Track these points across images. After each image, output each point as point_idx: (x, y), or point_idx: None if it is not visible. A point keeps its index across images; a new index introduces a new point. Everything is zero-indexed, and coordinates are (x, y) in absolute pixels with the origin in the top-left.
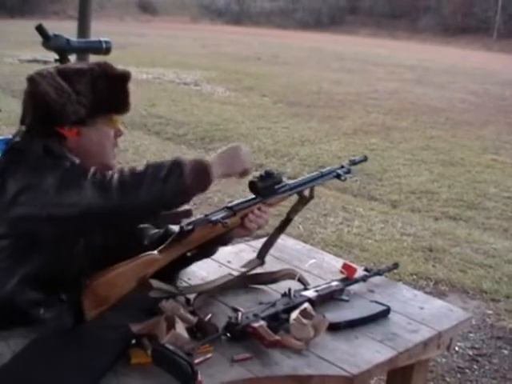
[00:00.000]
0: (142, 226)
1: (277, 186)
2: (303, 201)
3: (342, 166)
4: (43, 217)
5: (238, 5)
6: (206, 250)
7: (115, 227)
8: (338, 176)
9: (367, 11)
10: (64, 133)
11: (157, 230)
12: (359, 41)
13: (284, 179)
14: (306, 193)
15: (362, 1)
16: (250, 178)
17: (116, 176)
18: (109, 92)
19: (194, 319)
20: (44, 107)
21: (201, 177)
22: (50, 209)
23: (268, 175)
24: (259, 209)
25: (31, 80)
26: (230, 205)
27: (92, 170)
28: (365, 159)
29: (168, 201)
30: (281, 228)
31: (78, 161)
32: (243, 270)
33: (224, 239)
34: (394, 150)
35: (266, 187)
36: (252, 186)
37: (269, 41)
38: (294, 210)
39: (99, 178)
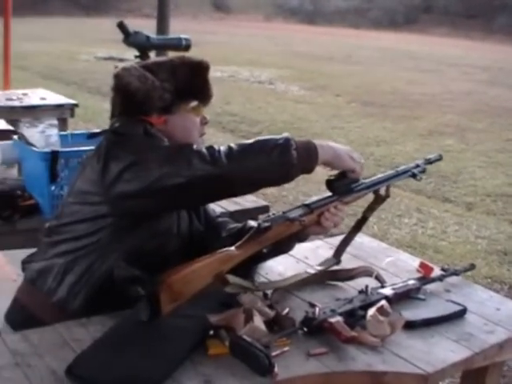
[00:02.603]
0: (221, 219)
1: (353, 185)
2: (379, 199)
3: (418, 165)
4: (146, 192)
5: (312, 4)
6: (282, 246)
7: (217, 196)
8: (414, 175)
9: (442, 10)
10: (152, 121)
11: (235, 225)
12: (433, 40)
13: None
14: (382, 191)
15: (436, 0)
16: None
17: (223, 147)
18: (189, 79)
19: (271, 313)
20: (129, 97)
21: (307, 156)
22: (154, 183)
23: (345, 174)
24: (335, 207)
25: (116, 76)
26: (307, 202)
27: (195, 145)
28: (440, 158)
29: (272, 174)
30: (357, 227)
31: None
32: (319, 268)
33: (300, 236)
34: (469, 152)
35: (342, 185)
36: (329, 184)
37: (342, 40)
38: (370, 208)
39: (205, 149)
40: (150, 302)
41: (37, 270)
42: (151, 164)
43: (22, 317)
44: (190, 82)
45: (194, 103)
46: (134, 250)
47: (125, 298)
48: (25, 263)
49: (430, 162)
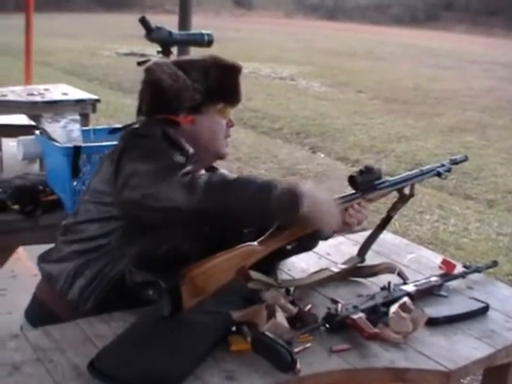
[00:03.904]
0: None
1: (376, 182)
2: (403, 198)
3: (443, 165)
4: (142, 204)
5: (333, 0)
6: (305, 243)
7: (196, 226)
8: (439, 174)
9: (463, 7)
10: (179, 120)
11: None
12: (454, 37)
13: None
14: (406, 190)
15: None
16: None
17: (205, 178)
18: (221, 81)
19: (294, 309)
20: (159, 93)
21: (288, 207)
22: (145, 198)
23: (368, 170)
24: (359, 204)
25: (147, 69)
26: None
27: (188, 168)
28: (466, 159)
29: (248, 217)
30: (381, 226)
31: (191, 149)
32: (343, 266)
33: (323, 235)
34: (490, 149)
35: (365, 182)
36: (351, 180)
37: (363, 36)
38: (395, 207)
39: (188, 179)
40: (171, 297)
41: (49, 271)
42: (148, 176)
43: (41, 313)
44: (221, 83)
45: (223, 105)
46: (145, 254)
47: (136, 299)
48: (39, 261)
49: (455, 162)
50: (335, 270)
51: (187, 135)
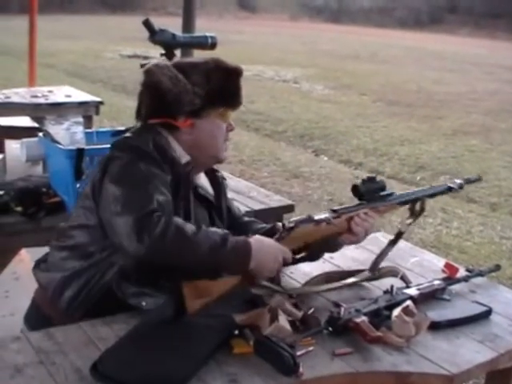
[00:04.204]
0: (247, 219)
1: (382, 193)
2: (413, 214)
3: (454, 182)
4: (106, 227)
5: (337, 2)
6: (312, 253)
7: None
8: (450, 189)
9: (467, 10)
10: (178, 124)
11: (263, 225)
12: (458, 40)
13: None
14: (417, 206)
15: (461, 0)
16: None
17: (163, 227)
18: (222, 85)
19: (298, 313)
20: (158, 96)
21: (239, 261)
22: (107, 225)
23: (370, 180)
24: (365, 213)
25: (147, 71)
26: (334, 208)
27: (157, 200)
28: (479, 178)
29: (198, 270)
30: (393, 241)
31: (185, 159)
32: (354, 280)
33: (331, 246)
34: (493, 152)
35: (368, 191)
36: (355, 189)
37: (367, 39)
38: (405, 223)
39: (146, 221)
40: (174, 297)
41: (40, 279)
42: (113, 204)
43: (38, 317)
44: (223, 87)
45: (223, 108)
46: (134, 265)
47: (128, 307)
48: (34, 267)
49: (469, 181)
50: (346, 282)
51: (186, 139)
